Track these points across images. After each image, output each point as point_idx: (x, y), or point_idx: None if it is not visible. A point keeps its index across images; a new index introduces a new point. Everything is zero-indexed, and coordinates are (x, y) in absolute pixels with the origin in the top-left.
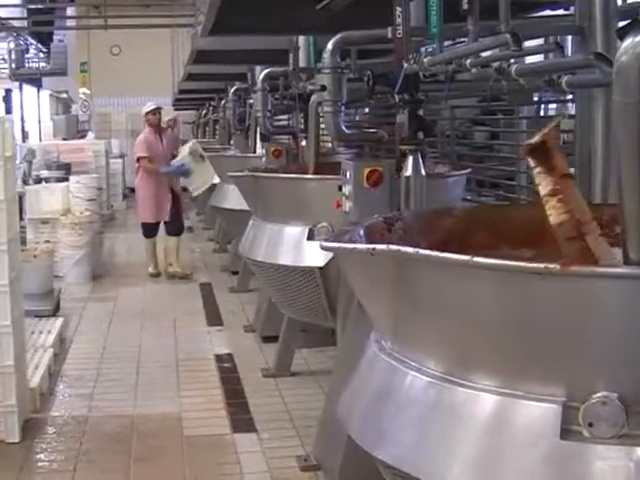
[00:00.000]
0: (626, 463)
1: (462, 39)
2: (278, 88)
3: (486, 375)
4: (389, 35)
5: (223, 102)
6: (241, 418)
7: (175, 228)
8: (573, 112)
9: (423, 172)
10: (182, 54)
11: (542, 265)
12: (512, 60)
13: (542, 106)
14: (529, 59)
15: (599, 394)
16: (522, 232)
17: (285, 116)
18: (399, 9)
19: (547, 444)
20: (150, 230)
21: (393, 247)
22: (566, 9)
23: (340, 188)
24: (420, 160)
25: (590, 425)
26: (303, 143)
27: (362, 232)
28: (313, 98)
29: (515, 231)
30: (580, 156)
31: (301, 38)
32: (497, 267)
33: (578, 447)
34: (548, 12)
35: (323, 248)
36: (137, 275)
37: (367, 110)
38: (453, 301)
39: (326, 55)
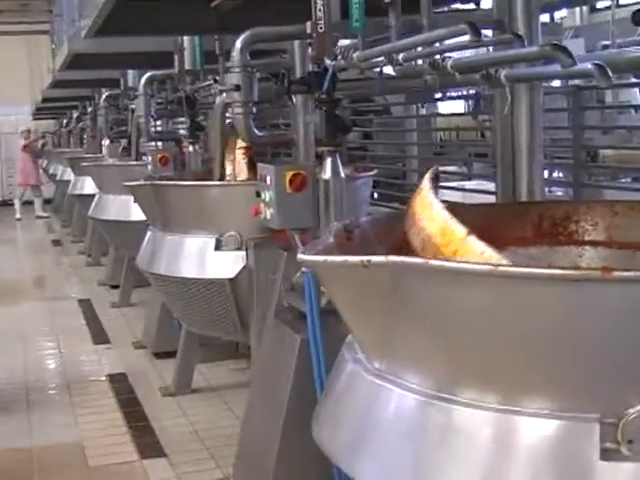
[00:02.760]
0: None
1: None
2: (158, 92)
3: (504, 393)
4: (308, 30)
5: (90, 109)
6: (147, 442)
7: None
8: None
9: (342, 174)
10: (41, 61)
11: (580, 272)
12: (448, 54)
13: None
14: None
15: (638, 407)
16: (481, 234)
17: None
18: (320, 2)
19: (584, 466)
20: None
21: (394, 258)
22: (476, 3)
23: (258, 194)
24: (339, 162)
25: (630, 442)
26: (190, 149)
27: (331, 242)
28: (219, 100)
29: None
30: (502, 153)
31: (186, 39)
32: (527, 276)
33: (619, 467)
34: (458, 6)
35: (305, 262)
36: (10, 293)
37: None
38: (468, 314)
39: (235, 53)
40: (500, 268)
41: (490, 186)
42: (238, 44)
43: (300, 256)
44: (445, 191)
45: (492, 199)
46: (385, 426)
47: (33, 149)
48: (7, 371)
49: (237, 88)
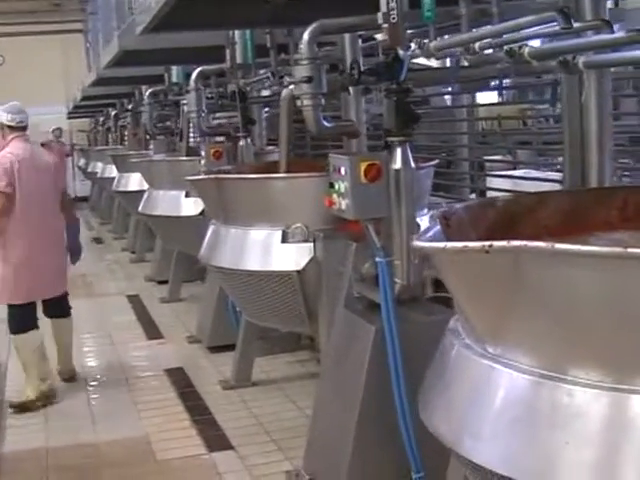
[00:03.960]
0: None
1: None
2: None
3: (622, 373)
4: (379, 21)
5: (131, 106)
6: (213, 435)
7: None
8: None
9: (412, 164)
10: (75, 60)
11: None
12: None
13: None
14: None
15: None
16: (566, 219)
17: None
18: None
19: None
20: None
21: (516, 243)
22: None
23: (332, 185)
24: (409, 152)
25: None
26: (242, 142)
27: (439, 229)
28: (284, 92)
29: (560, 219)
30: (571, 141)
31: (237, 33)
32: None
33: None
34: None
35: (424, 249)
36: None
37: None
38: (592, 296)
39: (303, 45)
40: (629, 250)
41: (535, 174)
42: (306, 36)
43: (417, 243)
44: (494, 179)
45: (545, 187)
46: (503, 409)
47: (62, 149)
48: None
49: (309, 80)
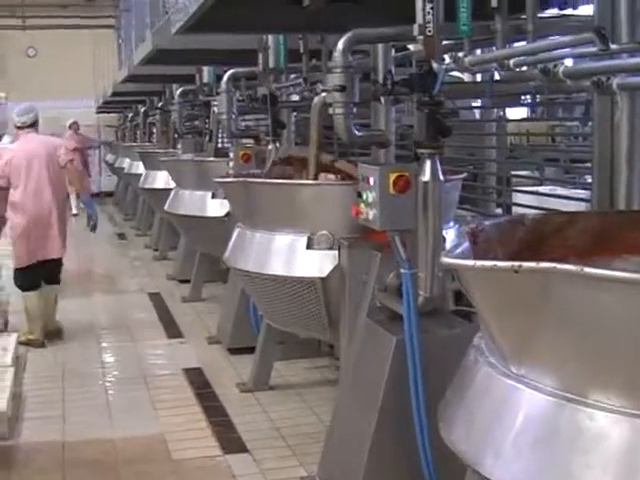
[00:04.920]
0: None
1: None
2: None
3: None
4: (415, 33)
5: (161, 104)
6: (229, 437)
7: None
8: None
9: (441, 177)
10: (106, 56)
11: None
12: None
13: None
14: None
15: None
16: (594, 240)
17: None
18: (430, 5)
19: None
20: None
21: (545, 264)
22: (574, 8)
23: (359, 194)
24: (438, 165)
25: None
26: (269, 147)
27: (468, 245)
28: (316, 100)
29: (588, 239)
30: (600, 160)
31: (271, 38)
32: None
33: None
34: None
35: (452, 266)
36: (82, 284)
37: None
38: (620, 320)
39: (337, 54)
40: None
41: (561, 191)
42: (340, 45)
43: (446, 260)
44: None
45: (570, 205)
46: (525, 429)
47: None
48: (82, 361)
49: (342, 89)
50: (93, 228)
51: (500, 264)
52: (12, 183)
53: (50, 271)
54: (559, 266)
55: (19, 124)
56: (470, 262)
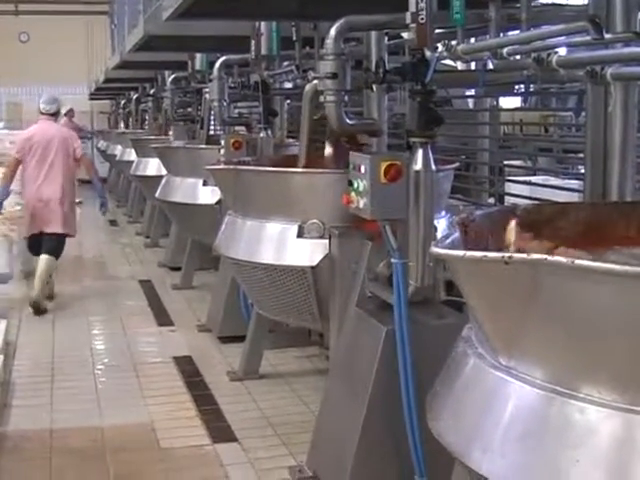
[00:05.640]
0: None
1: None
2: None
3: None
4: (407, 20)
5: (153, 91)
6: (218, 426)
7: None
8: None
9: (433, 167)
10: (98, 41)
11: None
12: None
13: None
14: None
15: None
16: (586, 231)
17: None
18: None
19: None
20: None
21: (536, 256)
22: None
23: (350, 183)
24: (430, 154)
25: None
26: (261, 134)
27: (458, 236)
28: (308, 87)
29: (580, 230)
30: (593, 151)
31: (263, 25)
32: None
33: None
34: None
35: (442, 256)
36: (73, 270)
37: None
38: (611, 313)
39: (329, 41)
40: None
41: (554, 181)
42: (333, 32)
43: (435, 250)
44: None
45: (563, 195)
46: (514, 422)
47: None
48: (72, 349)
49: (334, 76)
50: (104, 212)
51: (490, 255)
52: (25, 160)
53: (47, 242)
54: (549, 258)
55: (43, 111)
56: (460, 252)
